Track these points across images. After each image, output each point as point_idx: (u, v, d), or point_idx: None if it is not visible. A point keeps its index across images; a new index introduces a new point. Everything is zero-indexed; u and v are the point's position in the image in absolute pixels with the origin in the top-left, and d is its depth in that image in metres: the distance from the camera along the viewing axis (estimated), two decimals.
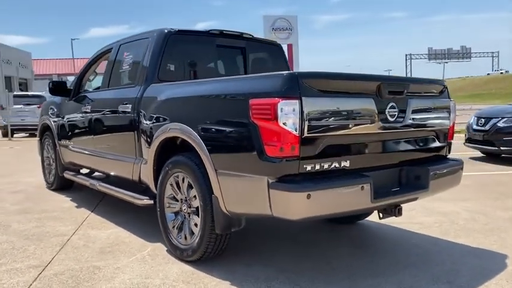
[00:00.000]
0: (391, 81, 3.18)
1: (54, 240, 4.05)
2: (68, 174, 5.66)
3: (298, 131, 2.64)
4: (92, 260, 3.56)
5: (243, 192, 2.90)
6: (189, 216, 3.43)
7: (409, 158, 3.39)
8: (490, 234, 4.18)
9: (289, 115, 2.61)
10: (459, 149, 8.68)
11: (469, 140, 9.30)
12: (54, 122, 5.92)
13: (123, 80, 4.63)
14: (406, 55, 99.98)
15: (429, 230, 4.37)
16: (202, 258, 3.36)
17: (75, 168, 5.71)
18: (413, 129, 3.33)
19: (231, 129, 2.96)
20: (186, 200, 3.46)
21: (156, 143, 3.65)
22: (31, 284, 3.11)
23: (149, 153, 3.77)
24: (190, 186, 3.38)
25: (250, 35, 4.72)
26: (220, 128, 3.07)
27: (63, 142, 5.71)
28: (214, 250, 3.32)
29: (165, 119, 3.60)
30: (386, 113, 3.08)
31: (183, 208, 3.50)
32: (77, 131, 5.33)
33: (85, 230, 4.40)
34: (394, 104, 3.13)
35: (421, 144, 3.48)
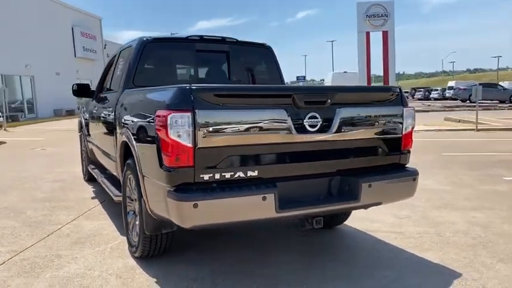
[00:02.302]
0: (307, 92, 3.11)
1: (47, 229, 4.59)
2: (89, 167, 6.26)
3: (191, 142, 2.74)
4: (60, 249, 3.99)
5: (156, 197, 3.08)
6: (137, 215, 3.70)
7: (341, 168, 3.28)
8: (466, 250, 3.86)
9: (181, 127, 2.72)
10: None
11: None
12: (84, 119, 6.57)
13: (114, 84, 5.02)
14: None
15: (404, 240, 4.16)
16: (143, 255, 3.61)
17: (97, 162, 6.29)
18: (343, 138, 3.21)
19: (148, 137, 3.15)
20: (135, 200, 3.72)
21: (119, 145, 3.96)
22: None
23: (116, 154, 4.10)
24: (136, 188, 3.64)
25: (235, 39, 4.81)
26: (143, 134, 3.27)
27: (88, 138, 6.33)
28: (152, 249, 3.55)
29: (125, 124, 3.89)
30: (305, 123, 3.03)
31: (136, 207, 3.77)
32: (91, 129, 5.89)
33: (80, 220, 4.89)
34: (315, 114, 3.06)
35: (356, 154, 3.34)
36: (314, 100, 3.07)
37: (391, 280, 3.31)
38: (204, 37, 4.63)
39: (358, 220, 4.76)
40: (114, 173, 4.74)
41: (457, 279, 3.29)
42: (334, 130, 3.14)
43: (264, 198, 2.86)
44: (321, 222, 3.21)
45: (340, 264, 3.60)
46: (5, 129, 17.17)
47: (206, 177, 2.82)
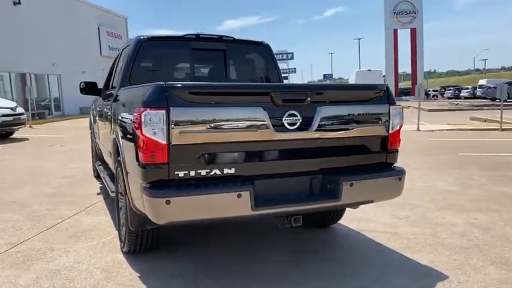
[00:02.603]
0: (286, 90, 3.09)
1: (48, 223, 4.72)
2: (96, 164, 6.40)
3: (165, 139, 2.77)
4: (56, 242, 4.10)
5: (136, 193, 3.13)
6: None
7: (324, 167, 3.25)
8: (459, 253, 3.76)
9: (155, 124, 2.76)
10: None
11: None
12: (92, 116, 6.72)
13: (116, 82, 5.11)
14: None
15: (397, 241, 4.08)
16: (130, 250, 3.68)
17: (103, 159, 6.43)
18: (325, 137, 3.18)
19: (129, 134, 3.19)
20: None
21: (111, 142, 4.04)
22: None
23: (112, 150, 4.18)
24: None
25: (231, 37, 4.82)
26: (125, 131, 3.32)
27: (95, 134, 6.47)
28: (138, 245, 3.60)
29: (115, 120, 3.96)
30: (284, 121, 3.02)
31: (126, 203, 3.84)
32: (96, 126, 6.01)
33: (81, 215, 5.01)
34: (294, 112, 3.04)
35: (339, 152, 3.30)
36: (293, 98, 3.05)
37: (373, 280, 3.26)
38: (201, 35, 4.66)
39: (355, 220, 4.71)
40: (112, 168, 4.83)
41: (442, 281, 3.21)
42: (314, 128, 3.11)
43: (239, 196, 2.86)
44: (300, 221, 3.18)
45: (327, 263, 3.57)
46: (30, 127, 17.69)
47: (181, 174, 2.85)
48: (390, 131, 3.43)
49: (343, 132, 3.25)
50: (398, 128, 3.47)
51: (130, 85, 4.32)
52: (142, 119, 2.75)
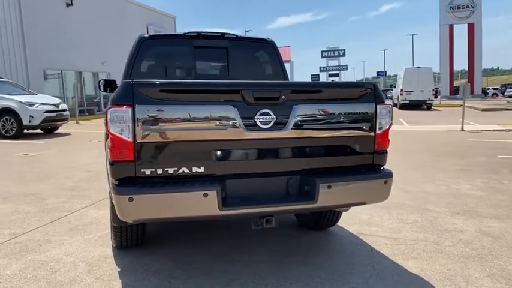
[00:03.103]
0: (257, 88, 2.99)
1: (56, 215, 4.90)
2: None
3: (131, 136, 2.77)
4: (54, 235, 4.24)
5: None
6: None
7: (302, 168, 3.13)
8: (457, 262, 3.52)
9: (120, 122, 2.76)
10: None
11: None
12: None
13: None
14: None
15: (393, 246, 3.89)
16: (118, 246, 3.74)
17: None
18: (301, 136, 3.06)
19: (105, 132, 3.22)
20: None
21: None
22: None
23: None
24: None
25: (234, 35, 4.78)
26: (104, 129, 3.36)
27: None
28: (124, 240, 3.65)
29: None
30: (256, 120, 2.94)
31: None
32: None
33: (88, 209, 5.16)
34: (267, 111, 2.95)
35: (317, 153, 3.16)
36: (265, 96, 2.96)
37: (353, 287, 3.11)
38: (202, 33, 4.65)
39: (358, 223, 4.55)
40: None
41: None
42: (289, 128, 3.00)
43: (206, 195, 2.81)
44: (272, 222, 3.07)
45: (311, 267, 3.46)
46: (77, 122, 18.52)
47: (148, 171, 2.84)
48: (377, 131, 3.25)
49: (322, 132, 3.11)
50: (387, 128, 3.28)
51: None
52: (109, 116, 2.77)
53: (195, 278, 3.27)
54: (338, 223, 4.44)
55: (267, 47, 4.90)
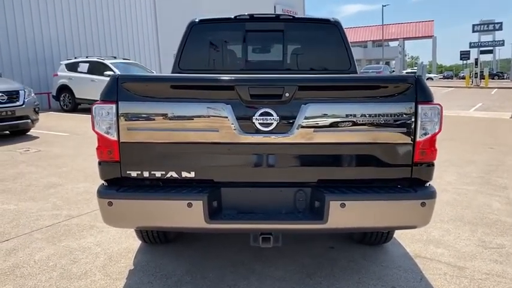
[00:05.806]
0: (255, 83, 2.51)
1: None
2: None
3: (116, 135, 2.58)
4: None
5: None
6: None
7: (315, 179, 2.60)
8: None
9: (104, 119, 2.57)
10: None
11: None
12: None
13: None
14: None
15: (452, 280, 3.14)
16: (142, 241, 3.66)
17: None
18: (312, 142, 2.53)
19: None
20: None
21: None
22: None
23: None
24: None
25: (291, 16, 4.29)
26: None
27: None
28: (145, 237, 3.54)
29: None
30: (255, 121, 2.50)
31: None
32: None
33: None
34: (268, 111, 2.50)
35: (334, 162, 2.59)
36: (265, 94, 2.50)
37: None
38: (255, 15, 4.25)
39: (423, 241, 3.83)
40: None
41: None
42: (296, 132, 2.51)
43: (190, 205, 2.49)
44: (270, 242, 2.60)
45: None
46: None
47: (134, 173, 2.63)
48: (418, 138, 2.55)
49: (338, 137, 2.54)
50: (431, 134, 2.56)
51: (180, 71, 4.23)
52: (93, 113, 2.60)
53: (200, 286, 3.01)
54: (400, 238, 3.79)
55: (330, 28, 4.29)
